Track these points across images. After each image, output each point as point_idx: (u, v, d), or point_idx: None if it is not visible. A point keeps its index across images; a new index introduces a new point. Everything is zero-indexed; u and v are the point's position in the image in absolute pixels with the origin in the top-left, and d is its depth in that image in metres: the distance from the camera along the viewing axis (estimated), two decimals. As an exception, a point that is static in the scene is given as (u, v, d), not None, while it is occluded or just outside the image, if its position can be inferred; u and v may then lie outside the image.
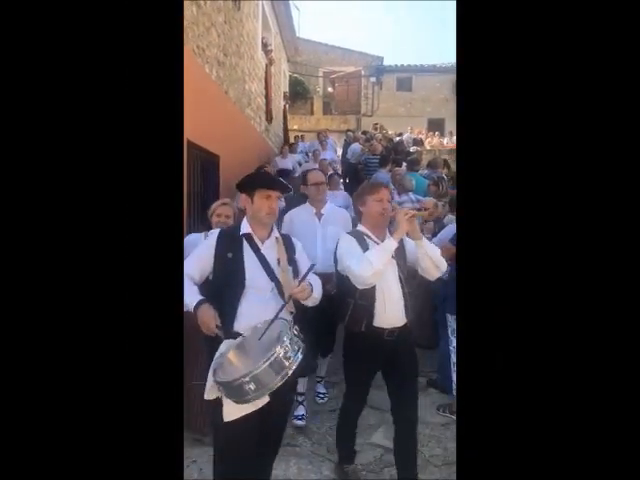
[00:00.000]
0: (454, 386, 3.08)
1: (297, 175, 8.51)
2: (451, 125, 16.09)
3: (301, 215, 3.24)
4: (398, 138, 12.30)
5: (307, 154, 11.11)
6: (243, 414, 1.76)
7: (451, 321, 3.11)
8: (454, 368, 3.07)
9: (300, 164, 9.65)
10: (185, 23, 4.16)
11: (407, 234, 2.22)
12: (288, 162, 8.98)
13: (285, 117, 13.63)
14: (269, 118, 10.53)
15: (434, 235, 3.65)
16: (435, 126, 16.64)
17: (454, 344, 3.08)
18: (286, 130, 13.56)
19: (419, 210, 3.03)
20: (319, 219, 3.20)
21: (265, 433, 1.91)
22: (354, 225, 2.72)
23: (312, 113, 18.43)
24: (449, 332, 3.13)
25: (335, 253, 2.32)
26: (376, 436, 2.89)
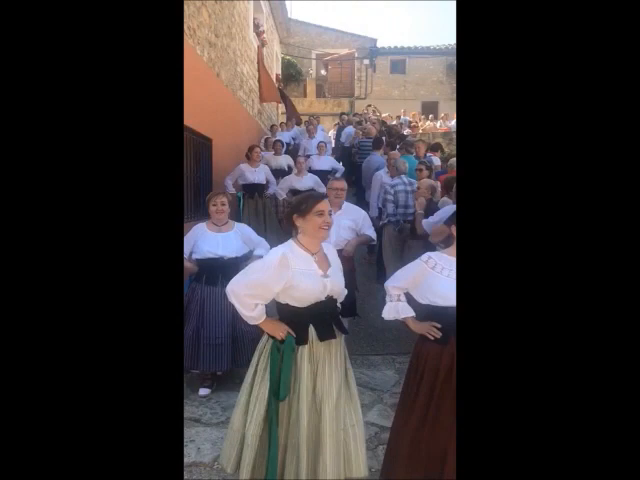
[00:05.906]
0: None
1: (271, 192, 5.97)
2: (445, 108, 15.99)
3: None
4: (394, 121, 12.19)
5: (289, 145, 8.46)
6: None
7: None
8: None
9: (288, 168, 7.09)
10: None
11: None
12: (260, 172, 5.97)
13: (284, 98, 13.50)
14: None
15: (427, 216, 3.65)
16: (429, 109, 16.55)
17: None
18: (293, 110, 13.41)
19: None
20: None
21: None
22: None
23: (305, 96, 18.24)
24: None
25: None
26: (371, 415, 2.94)
